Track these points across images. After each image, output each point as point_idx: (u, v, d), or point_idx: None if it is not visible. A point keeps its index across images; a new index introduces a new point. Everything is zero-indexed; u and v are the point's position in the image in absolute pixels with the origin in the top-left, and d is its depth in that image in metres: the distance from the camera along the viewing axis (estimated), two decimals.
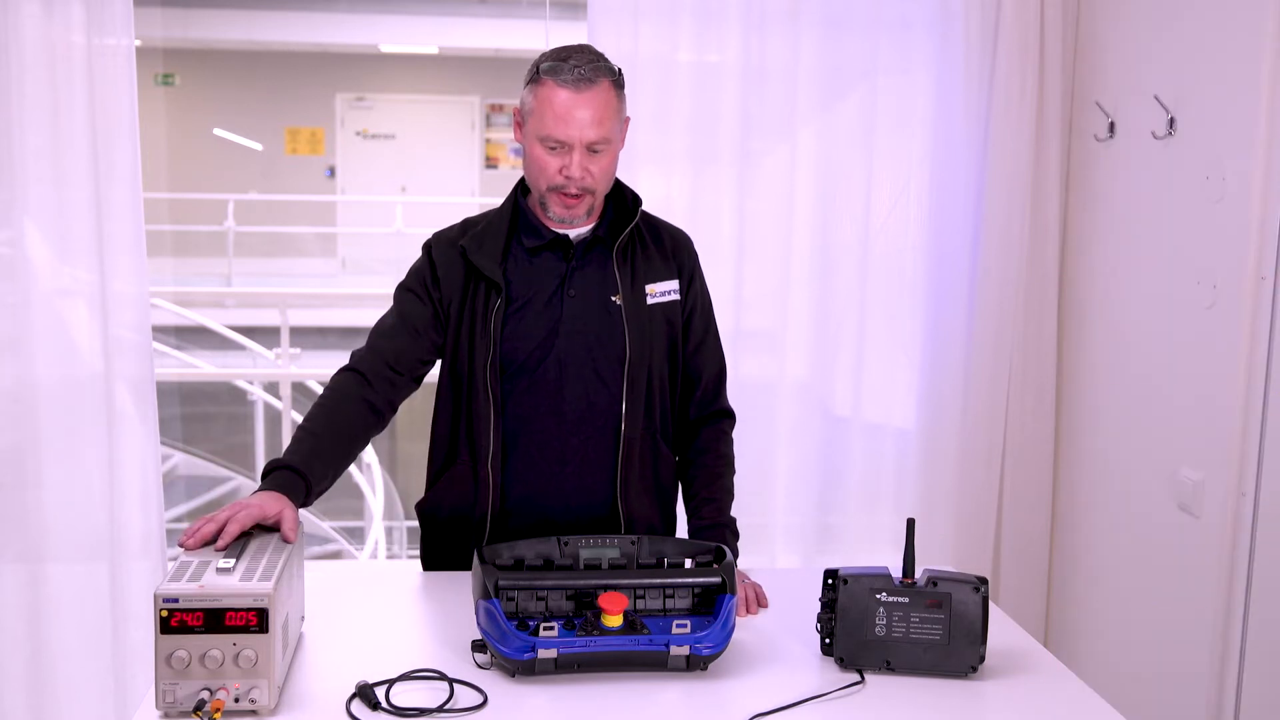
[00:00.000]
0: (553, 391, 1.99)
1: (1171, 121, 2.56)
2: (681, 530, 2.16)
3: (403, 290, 2.04)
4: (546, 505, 2.01)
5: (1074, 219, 3.00)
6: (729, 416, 2.15)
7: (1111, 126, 2.81)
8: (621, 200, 2.04)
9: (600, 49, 2.84)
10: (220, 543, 1.61)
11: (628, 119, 1.99)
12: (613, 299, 1.99)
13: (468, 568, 1.99)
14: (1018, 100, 2.93)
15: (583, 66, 1.87)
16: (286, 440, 5.56)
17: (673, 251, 2.07)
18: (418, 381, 2.03)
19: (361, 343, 2.01)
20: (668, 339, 2.05)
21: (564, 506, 2.01)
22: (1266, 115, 2.25)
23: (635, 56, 2.90)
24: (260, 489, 1.76)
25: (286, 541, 1.67)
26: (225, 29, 11.40)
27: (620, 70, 1.94)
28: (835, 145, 3.01)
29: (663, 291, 2.04)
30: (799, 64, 2.94)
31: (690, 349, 2.09)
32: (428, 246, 2.05)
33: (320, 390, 1.98)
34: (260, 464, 7.27)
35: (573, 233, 2.00)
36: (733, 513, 2.08)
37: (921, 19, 2.97)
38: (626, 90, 2.87)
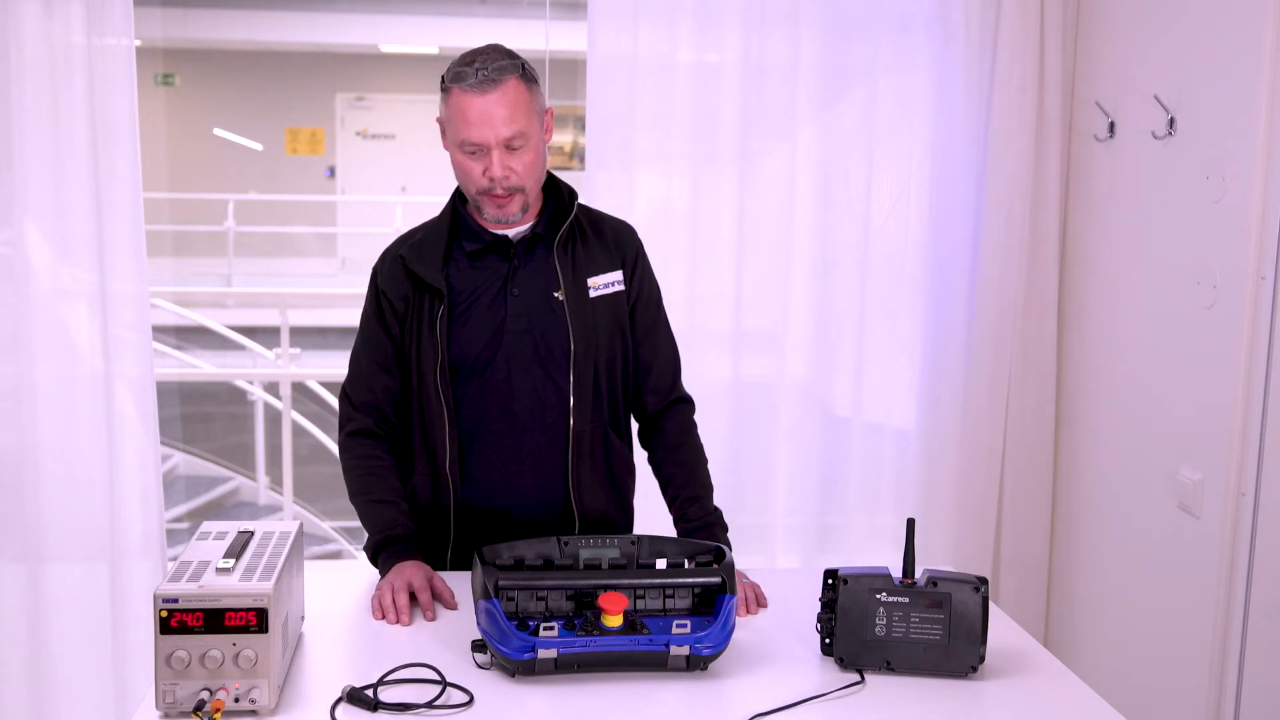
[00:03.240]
0: (503, 391, 2.00)
1: (1171, 121, 2.56)
2: (645, 524, 2.17)
3: (364, 323, 2.08)
4: (505, 504, 2.03)
5: (1074, 219, 3.00)
6: (689, 403, 2.16)
7: (1111, 126, 2.81)
8: (559, 195, 2.06)
9: (600, 49, 2.88)
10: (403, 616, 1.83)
11: (550, 110, 2.00)
12: (555, 294, 2.00)
13: (437, 568, 2.00)
14: (1017, 100, 2.93)
15: (486, 68, 1.89)
16: (287, 440, 5.57)
17: (615, 243, 2.08)
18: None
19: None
20: (615, 331, 2.06)
21: (522, 504, 2.03)
22: (1266, 115, 2.25)
23: (635, 56, 2.90)
24: (389, 564, 1.94)
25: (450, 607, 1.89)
26: (225, 29, 11.40)
27: (527, 64, 1.95)
28: (835, 145, 3.01)
29: (606, 283, 2.05)
30: (799, 64, 2.94)
31: (639, 338, 2.10)
32: (374, 272, 2.08)
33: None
34: (261, 464, 7.30)
35: (512, 232, 2.01)
36: (716, 504, 2.09)
37: (921, 18, 2.97)
38: (627, 90, 2.89)
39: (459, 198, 2.05)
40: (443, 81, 1.93)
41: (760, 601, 1.95)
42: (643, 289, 2.10)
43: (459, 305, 2.00)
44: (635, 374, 2.11)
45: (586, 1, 2.88)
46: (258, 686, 1.50)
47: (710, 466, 2.14)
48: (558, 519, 2.04)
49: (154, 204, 7.73)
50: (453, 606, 1.90)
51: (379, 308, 2.05)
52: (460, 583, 1.96)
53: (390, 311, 2.03)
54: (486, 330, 1.99)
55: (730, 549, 2.02)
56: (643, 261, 2.11)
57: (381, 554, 1.97)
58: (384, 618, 1.85)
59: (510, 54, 1.93)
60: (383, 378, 2.05)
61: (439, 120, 1.98)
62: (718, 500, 2.10)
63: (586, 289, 2.03)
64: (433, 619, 1.85)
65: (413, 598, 1.88)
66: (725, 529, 2.06)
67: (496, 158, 1.90)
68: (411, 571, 1.90)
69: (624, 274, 2.07)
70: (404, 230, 2.11)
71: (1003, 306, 3.00)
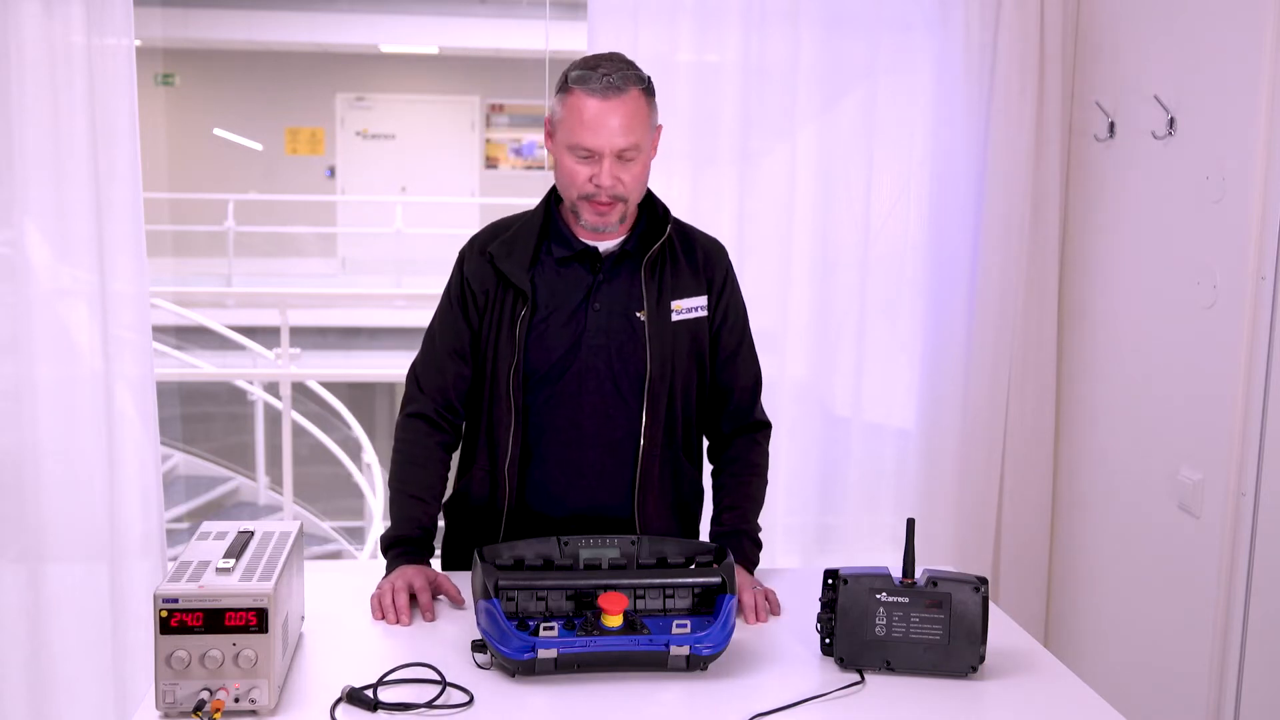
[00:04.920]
0: (572, 404, 1.98)
1: (1171, 121, 2.56)
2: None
3: (443, 306, 2.05)
4: (563, 517, 2.01)
5: (1074, 219, 3.00)
6: (765, 427, 2.13)
7: (1111, 126, 2.81)
8: (653, 211, 2.03)
9: (600, 49, 2.86)
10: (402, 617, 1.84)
11: (660, 126, 1.97)
12: (637, 314, 1.98)
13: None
14: (1018, 100, 2.93)
15: (612, 75, 1.86)
16: (287, 440, 5.58)
17: (704, 265, 2.05)
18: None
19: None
20: (693, 355, 2.03)
21: (581, 519, 2.01)
22: (1266, 115, 2.25)
23: (635, 57, 2.83)
24: (394, 563, 1.95)
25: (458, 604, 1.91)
26: (225, 29, 11.39)
27: (650, 79, 1.93)
28: (835, 145, 3.00)
29: (689, 308, 2.01)
30: (799, 64, 2.94)
31: (720, 361, 2.06)
32: (461, 256, 2.06)
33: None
34: (261, 464, 7.30)
35: (601, 245, 1.98)
36: (759, 521, 2.06)
37: (921, 19, 2.97)
38: None
39: (554, 197, 2.02)
40: (564, 81, 1.90)
41: (773, 609, 1.92)
42: (728, 313, 2.06)
43: (540, 312, 1.97)
44: (713, 397, 2.08)
45: (586, 1, 2.88)
46: (258, 686, 1.50)
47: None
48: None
49: (154, 204, 7.73)
50: (460, 603, 1.89)
51: (462, 293, 2.02)
52: (460, 583, 1.96)
53: (472, 301, 2.01)
54: (564, 342, 1.97)
55: (755, 561, 2.02)
56: (730, 284, 2.08)
57: (390, 552, 1.97)
58: (383, 617, 1.85)
59: (633, 65, 1.92)
60: (455, 364, 2.02)
61: (548, 119, 1.95)
62: None
63: (669, 312, 2.00)
64: (431, 620, 1.85)
65: (414, 599, 1.88)
66: (757, 544, 2.04)
67: (607, 166, 1.87)
68: (413, 573, 1.90)
69: (709, 298, 2.04)
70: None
71: (1003, 306, 3.00)
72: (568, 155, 1.90)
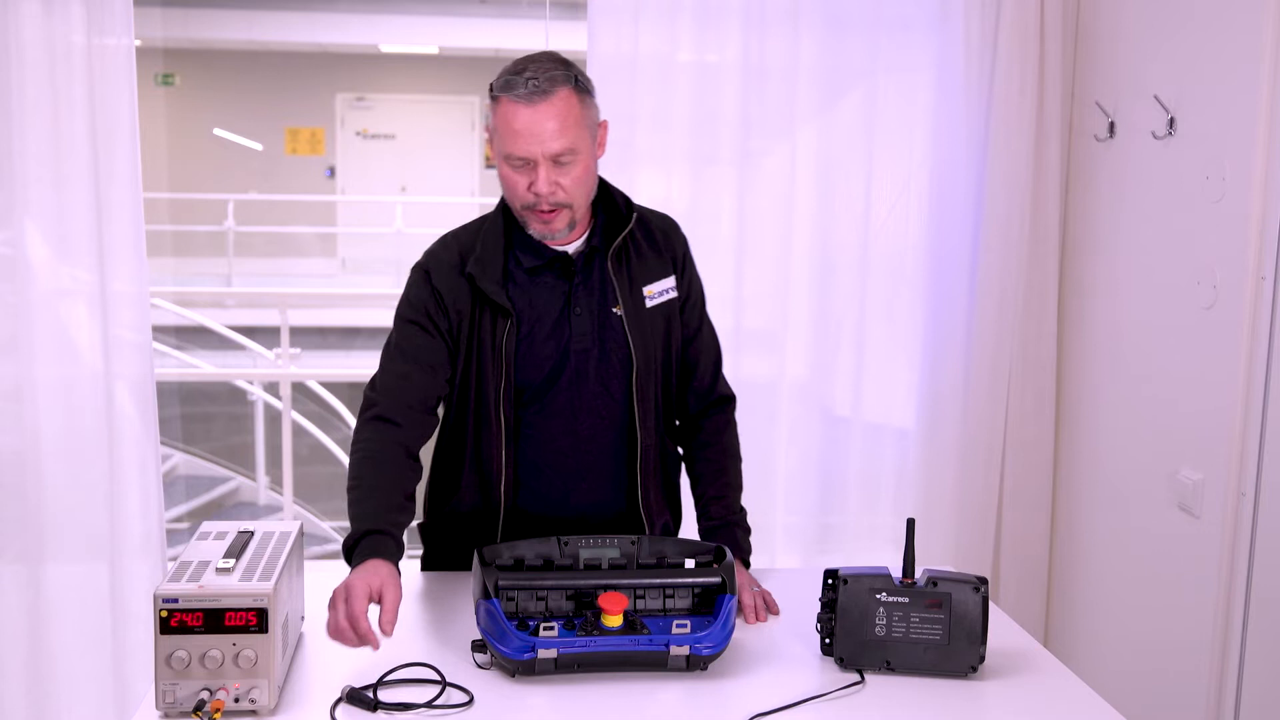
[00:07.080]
0: (566, 412, 1.95)
1: (1171, 121, 2.56)
2: (689, 527, 2.15)
3: (406, 323, 1.94)
4: (561, 519, 1.98)
5: (1074, 219, 3.00)
6: (729, 401, 2.11)
7: (1111, 126, 2.81)
8: (612, 204, 1.98)
9: (600, 49, 2.88)
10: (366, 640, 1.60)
11: (604, 122, 1.90)
12: (613, 310, 1.95)
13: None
14: (1018, 100, 2.93)
15: (538, 78, 1.78)
16: (287, 440, 5.58)
17: (664, 244, 2.02)
18: (437, 416, 1.98)
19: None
20: (666, 337, 2.01)
21: (580, 518, 1.98)
22: (1266, 115, 2.25)
23: (635, 56, 2.90)
24: (357, 561, 1.70)
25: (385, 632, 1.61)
26: (225, 29, 11.40)
27: (582, 75, 1.86)
28: (835, 145, 3.00)
29: (661, 291, 1.99)
30: (799, 64, 2.94)
31: (686, 338, 2.05)
32: (424, 271, 1.95)
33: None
34: (261, 464, 7.30)
35: (571, 248, 1.94)
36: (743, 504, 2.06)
37: (921, 19, 2.97)
38: (627, 90, 2.89)
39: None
40: (491, 89, 1.84)
41: (771, 609, 1.92)
42: (691, 289, 2.04)
43: (523, 327, 1.92)
44: (679, 374, 2.06)
45: (586, 1, 2.88)
46: (258, 686, 1.50)
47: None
48: (618, 531, 1.99)
49: (154, 204, 7.73)
50: (388, 629, 1.61)
51: (432, 306, 1.91)
52: (462, 583, 1.96)
53: (443, 315, 1.91)
54: (552, 353, 1.93)
55: (749, 550, 2.02)
56: (689, 259, 2.05)
57: (357, 549, 1.73)
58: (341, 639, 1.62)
59: (564, 62, 1.84)
60: (419, 373, 1.90)
61: (487, 129, 1.89)
62: None
63: (644, 300, 1.97)
64: (389, 635, 1.62)
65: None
66: (747, 530, 2.03)
67: (543, 173, 1.80)
68: (373, 579, 1.65)
69: (676, 276, 2.01)
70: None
71: (1003, 306, 3.00)
72: (504, 165, 1.84)
